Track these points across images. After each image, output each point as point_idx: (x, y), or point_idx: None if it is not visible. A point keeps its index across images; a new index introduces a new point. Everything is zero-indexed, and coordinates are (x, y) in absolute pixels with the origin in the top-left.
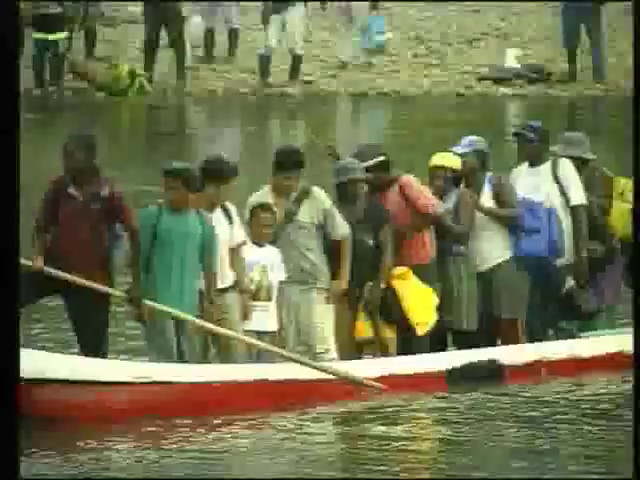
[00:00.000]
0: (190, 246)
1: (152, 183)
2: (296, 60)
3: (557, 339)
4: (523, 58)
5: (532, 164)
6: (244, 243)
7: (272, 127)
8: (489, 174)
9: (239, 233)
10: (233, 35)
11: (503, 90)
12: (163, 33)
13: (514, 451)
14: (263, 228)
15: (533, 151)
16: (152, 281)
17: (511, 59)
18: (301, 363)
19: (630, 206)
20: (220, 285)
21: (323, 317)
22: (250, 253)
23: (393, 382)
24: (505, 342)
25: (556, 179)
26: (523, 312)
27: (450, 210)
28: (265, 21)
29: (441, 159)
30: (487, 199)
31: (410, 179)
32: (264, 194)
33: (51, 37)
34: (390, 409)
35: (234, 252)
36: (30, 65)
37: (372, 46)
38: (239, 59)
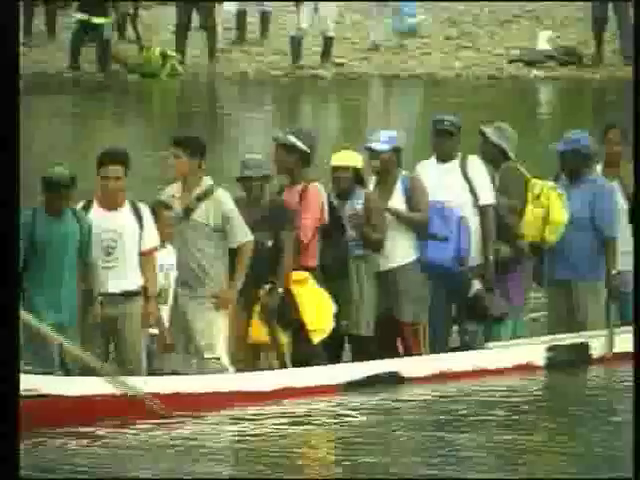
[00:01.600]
0: (69, 246)
1: None
2: (328, 42)
3: (462, 342)
4: (555, 40)
5: (440, 159)
6: (156, 249)
7: (303, 109)
8: (403, 173)
9: (150, 236)
10: (265, 17)
11: (535, 72)
12: (195, 15)
13: (415, 450)
14: (165, 227)
15: (450, 147)
16: (32, 283)
17: (543, 41)
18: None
19: (543, 211)
20: (124, 288)
21: (211, 323)
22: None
23: (289, 394)
24: (406, 346)
25: (465, 177)
26: (425, 315)
27: (356, 211)
28: (297, 3)
29: (342, 158)
30: (398, 200)
31: (315, 191)
32: (170, 189)
33: (95, 20)
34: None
35: (146, 256)
36: (61, 47)
37: (404, 28)
38: (271, 41)
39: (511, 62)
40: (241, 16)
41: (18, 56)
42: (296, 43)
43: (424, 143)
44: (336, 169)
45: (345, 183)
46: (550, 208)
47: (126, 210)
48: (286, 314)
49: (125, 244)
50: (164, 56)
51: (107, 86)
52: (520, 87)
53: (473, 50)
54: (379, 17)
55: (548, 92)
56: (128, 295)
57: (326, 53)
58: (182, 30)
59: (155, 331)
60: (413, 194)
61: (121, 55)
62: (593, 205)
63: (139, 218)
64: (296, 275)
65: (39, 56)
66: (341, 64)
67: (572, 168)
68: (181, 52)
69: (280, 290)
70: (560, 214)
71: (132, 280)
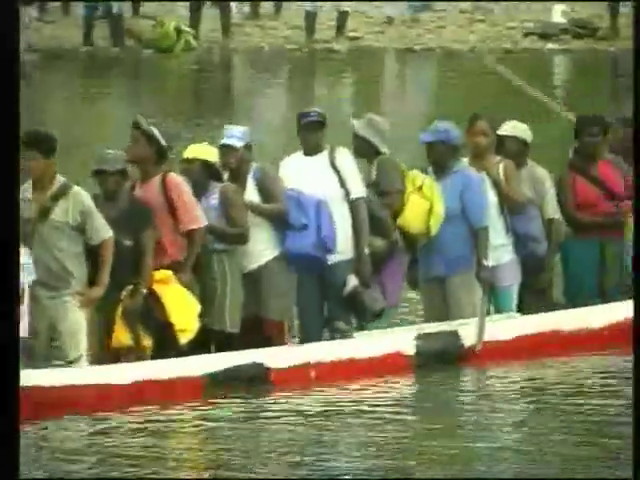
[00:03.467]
0: None
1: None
2: (342, 16)
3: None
4: (569, 13)
5: (307, 153)
6: None
7: (318, 83)
8: (254, 165)
9: None
10: None
11: (549, 45)
12: None
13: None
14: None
15: (317, 139)
16: None
17: (557, 14)
18: None
19: (428, 203)
20: None
21: (75, 323)
22: None
23: (148, 388)
24: (271, 345)
25: (334, 170)
26: (290, 313)
27: (214, 207)
28: None
29: (194, 151)
30: (251, 193)
31: (178, 183)
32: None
33: None
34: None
35: None
36: (76, 22)
37: (418, 2)
38: (285, 16)
39: (526, 35)
40: None
41: (18, 57)
42: (311, 17)
43: (443, 113)
44: (187, 161)
45: (194, 176)
46: (433, 200)
47: None
48: (150, 316)
49: None
50: (178, 31)
51: (121, 61)
52: (535, 60)
53: (488, 23)
54: None
55: (563, 65)
56: None
57: (341, 27)
58: (196, 4)
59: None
60: (265, 185)
61: (135, 30)
62: (463, 196)
63: None
64: (159, 274)
65: (54, 32)
66: (356, 38)
67: (440, 159)
68: (195, 27)
69: (143, 291)
70: (441, 206)
71: None
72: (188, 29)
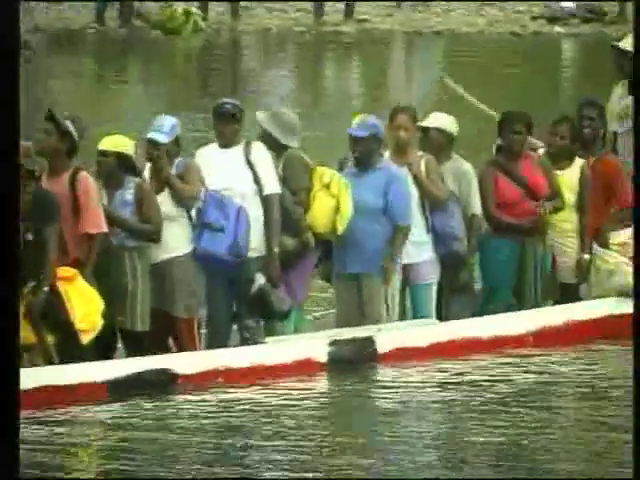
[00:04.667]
0: None
1: (203, 128)
2: None
3: (241, 339)
4: None
5: (222, 145)
6: None
7: (326, 66)
8: (178, 160)
9: None
10: None
11: (557, 29)
12: None
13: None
14: None
15: (231, 131)
16: None
17: None
18: None
19: (334, 200)
20: None
21: None
22: None
23: (50, 393)
24: (179, 343)
25: (249, 164)
26: (200, 310)
27: (129, 202)
28: None
29: (109, 143)
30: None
31: (88, 183)
32: None
33: None
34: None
35: None
36: (85, 3)
37: None
38: None
39: (534, 19)
40: None
41: (18, 57)
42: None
43: (441, 102)
44: (101, 154)
45: (108, 169)
46: (340, 198)
47: None
48: (52, 313)
49: None
50: (187, 13)
51: (130, 42)
52: (543, 44)
53: (496, 7)
54: None
55: (571, 49)
56: None
57: (349, 9)
58: None
59: None
60: (185, 175)
61: (145, 11)
62: (387, 193)
63: None
64: (62, 271)
65: (62, 13)
66: (364, 20)
67: (366, 155)
68: (204, 8)
69: (45, 288)
70: (348, 205)
71: None
72: (196, 11)
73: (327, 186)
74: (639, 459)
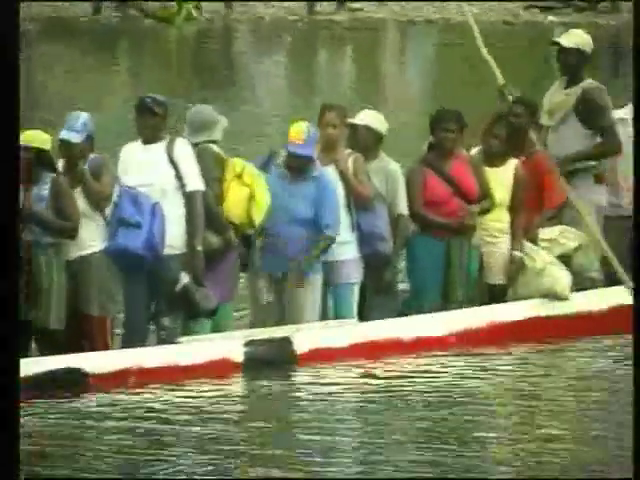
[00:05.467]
0: None
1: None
2: None
3: (158, 339)
4: None
5: (145, 141)
6: None
7: (319, 54)
8: (92, 156)
9: None
10: None
11: (550, 18)
12: None
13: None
14: None
15: (153, 127)
16: None
17: None
18: None
19: (248, 190)
20: None
21: None
22: None
23: None
24: (92, 342)
25: (171, 161)
26: (114, 308)
27: (45, 198)
28: None
29: (26, 138)
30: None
31: None
32: None
33: None
34: None
35: None
36: None
37: None
38: None
39: (527, 8)
40: None
41: (18, 57)
42: None
43: (436, 91)
44: (20, 148)
45: (24, 163)
46: (254, 187)
47: None
48: None
49: None
50: (180, 1)
51: (123, 31)
52: (535, 33)
53: None
54: None
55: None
56: None
57: None
58: None
59: None
60: (97, 173)
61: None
62: (318, 204)
63: None
64: None
65: (54, 2)
66: (357, 9)
67: (301, 165)
68: None
69: None
70: (264, 194)
71: None
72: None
73: (239, 176)
74: (639, 459)
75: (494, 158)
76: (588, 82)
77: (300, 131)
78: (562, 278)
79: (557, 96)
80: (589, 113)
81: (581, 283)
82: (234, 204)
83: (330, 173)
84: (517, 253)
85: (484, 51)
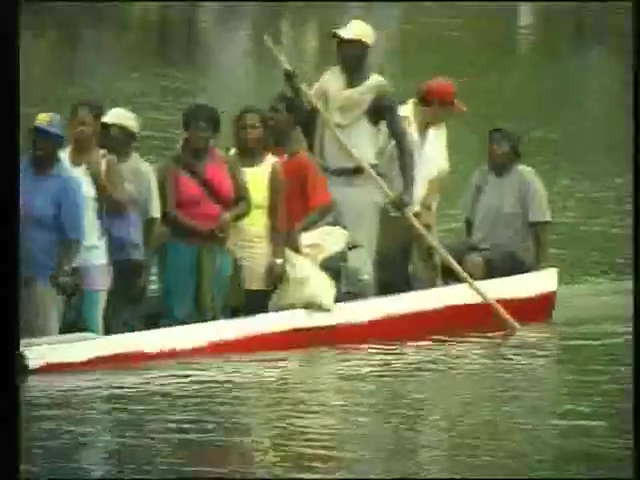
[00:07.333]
0: None
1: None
2: None
3: None
4: None
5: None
6: None
7: (282, 30)
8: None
9: None
10: None
11: None
12: None
13: None
14: None
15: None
16: None
17: None
18: None
19: None
20: None
21: None
22: None
23: None
24: None
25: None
26: None
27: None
28: None
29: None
30: None
31: None
32: None
33: None
34: None
35: None
36: None
37: None
38: None
39: None
40: None
41: (18, 57)
42: None
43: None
44: None
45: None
46: None
47: None
48: None
49: None
50: None
51: (82, 10)
52: (500, 10)
53: None
54: None
55: (528, 13)
56: None
57: None
58: None
59: None
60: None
61: None
62: (59, 203)
63: None
64: None
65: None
66: None
67: (47, 155)
68: None
69: None
70: None
71: None
72: None
73: None
74: (639, 459)
75: (249, 155)
76: (378, 80)
77: (45, 116)
78: (325, 289)
79: (347, 93)
80: (382, 116)
81: (353, 286)
82: None
83: (79, 173)
84: (277, 261)
85: (268, 40)
